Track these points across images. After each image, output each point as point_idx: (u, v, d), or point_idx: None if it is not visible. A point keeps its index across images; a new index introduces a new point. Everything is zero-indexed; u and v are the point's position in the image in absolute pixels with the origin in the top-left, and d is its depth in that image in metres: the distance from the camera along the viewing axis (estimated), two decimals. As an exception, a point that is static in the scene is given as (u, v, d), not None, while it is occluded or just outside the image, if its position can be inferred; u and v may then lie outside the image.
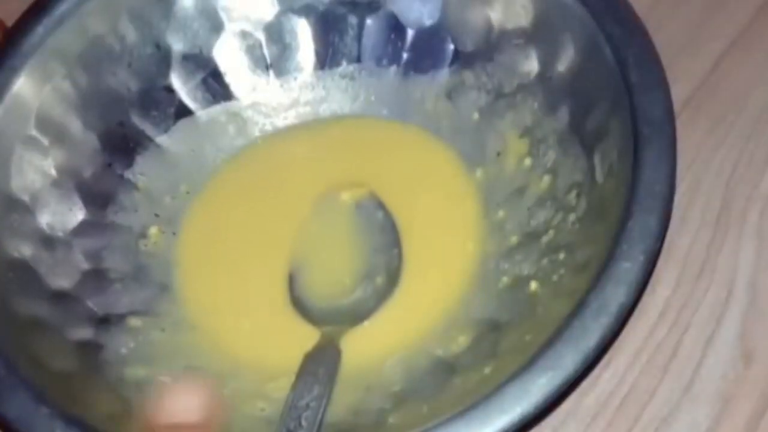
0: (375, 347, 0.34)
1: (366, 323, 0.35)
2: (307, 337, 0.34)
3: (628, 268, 0.29)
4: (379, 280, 0.36)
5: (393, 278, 0.36)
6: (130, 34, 0.39)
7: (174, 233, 0.39)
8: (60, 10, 0.37)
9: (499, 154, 0.38)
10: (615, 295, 0.29)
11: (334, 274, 0.36)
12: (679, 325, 0.34)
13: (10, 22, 0.38)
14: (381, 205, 0.38)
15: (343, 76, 0.41)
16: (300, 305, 0.36)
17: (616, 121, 0.33)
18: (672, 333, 0.34)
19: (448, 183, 0.38)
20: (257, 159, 0.41)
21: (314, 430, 0.28)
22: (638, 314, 0.34)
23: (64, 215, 0.37)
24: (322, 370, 0.31)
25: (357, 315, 0.35)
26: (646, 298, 0.35)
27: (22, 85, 0.36)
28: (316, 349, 0.33)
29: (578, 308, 0.29)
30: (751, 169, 0.37)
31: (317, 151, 0.41)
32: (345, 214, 0.38)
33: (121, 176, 0.39)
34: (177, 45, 0.40)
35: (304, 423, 0.28)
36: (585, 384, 0.33)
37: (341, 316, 0.35)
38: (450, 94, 0.40)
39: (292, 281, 0.36)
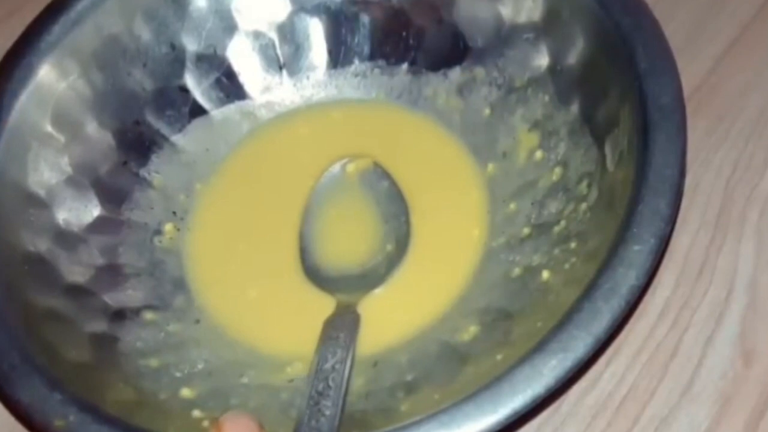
0: (381, 324, 0.34)
1: (377, 291, 0.35)
2: (323, 315, 0.34)
3: (638, 250, 0.29)
4: (389, 247, 0.36)
5: (402, 245, 0.36)
6: (145, 34, 0.39)
7: (189, 229, 0.39)
8: (77, 9, 0.37)
9: (510, 147, 0.38)
10: (626, 277, 0.28)
11: (345, 242, 0.37)
12: (679, 325, 0.34)
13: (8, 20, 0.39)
14: (386, 175, 0.38)
15: (355, 75, 0.42)
16: (314, 273, 0.36)
17: (626, 109, 0.33)
18: (672, 333, 0.34)
19: (458, 175, 0.38)
20: (261, 145, 0.41)
21: (341, 391, 0.29)
22: (638, 314, 0.34)
23: (80, 211, 0.37)
24: (342, 335, 0.31)
25: (370, 280, 0.35)
26: (646, 298, 0.34)
27: (39, 82, 0.37)
28: (334, 315, 0.33)
29: (589, 291, 0.29)
30: (751, 170, 0.37)
31: (323, 135, 0.41)
32: (351, 184, 0.38)
33: (137, 174, 0.39)
34: (191, 45, 0.40)
35: (331, 384, 0.29)
36: (585, 384, 0.33)
37: (355, 281, 0.35)
38: (461, 91, 0.40)
39: (303, 252, 0.37)
